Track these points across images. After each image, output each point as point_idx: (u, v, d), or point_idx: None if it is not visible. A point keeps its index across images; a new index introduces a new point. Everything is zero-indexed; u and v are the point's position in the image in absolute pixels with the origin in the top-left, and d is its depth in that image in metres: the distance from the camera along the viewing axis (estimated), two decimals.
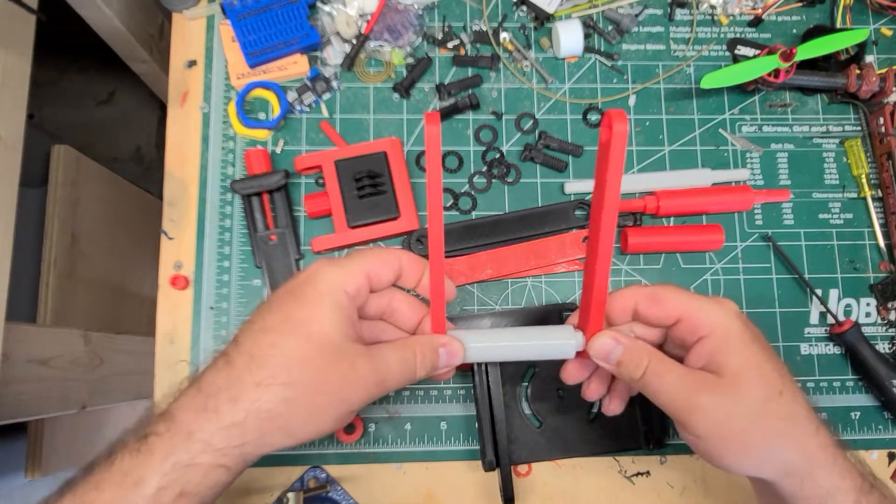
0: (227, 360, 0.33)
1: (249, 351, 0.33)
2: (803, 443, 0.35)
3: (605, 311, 0.38)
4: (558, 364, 0.49)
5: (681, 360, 0.37)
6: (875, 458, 0.53)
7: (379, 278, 0.37)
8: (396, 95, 0.56)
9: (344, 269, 0.35)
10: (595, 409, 0.51)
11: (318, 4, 0.55)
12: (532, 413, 0.51)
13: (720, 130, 0.57)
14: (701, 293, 0.50)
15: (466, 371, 0.51)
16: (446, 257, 0.53)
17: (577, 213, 0.54)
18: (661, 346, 0.39)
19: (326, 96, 0.56)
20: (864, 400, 0.54)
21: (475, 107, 0.56)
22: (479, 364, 0.48)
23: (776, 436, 0.34)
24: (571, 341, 0.38)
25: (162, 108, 1.31)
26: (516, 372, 0.52)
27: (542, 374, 0.51)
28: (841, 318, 0.54)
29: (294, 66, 0.55)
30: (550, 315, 0.52)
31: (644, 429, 0.51)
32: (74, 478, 0.32)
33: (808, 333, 0.54)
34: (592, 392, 0.41)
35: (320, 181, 0.54)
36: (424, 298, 0.39)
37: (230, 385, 0.32)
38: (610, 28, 0.58)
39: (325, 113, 0.55)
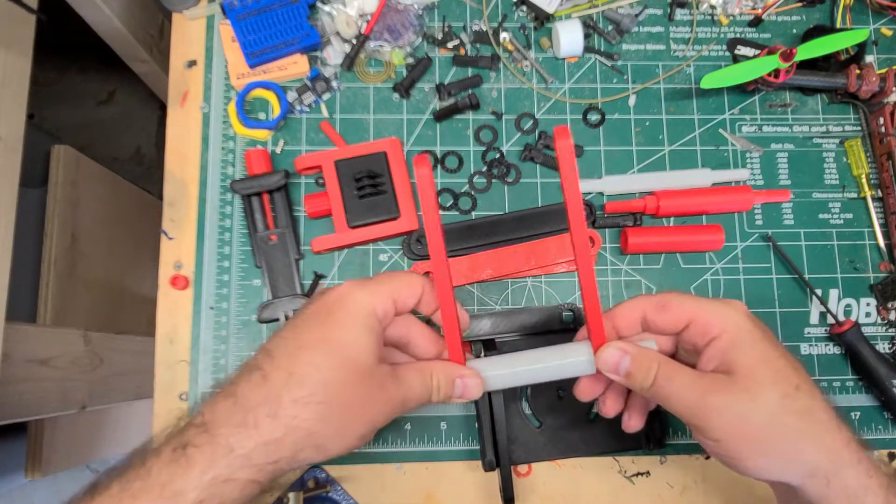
0: (264, 374, 0.33)
1: (287, 368, 0.33)
2: (826, 440, 0.33)
3: (614, 323, 0.38)
4: None
5: (693, 366, 0.37)
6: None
7: (403, 302, 0.37)
8: (396, 95, 0.56)
9: (373, 293, 0.36)
10: (595, 409, 0.51)
11: (318, 4, 0.55)
12: (532, 413, 0.51)
13: (720, 130, 0.57)
14: (704, 295, 0.50)
15: None
16: (447, 257, 0.53)
17: None
18: (673, 356, 0.39)
19: (326, 96, 0.56)
20: (864, 400, 0.54)
21: (475, 107, 0.56)
22: None
23: (796, 433, 0.33)
24: (585, 358, 0.37)
25: (162, 108, 1.31)
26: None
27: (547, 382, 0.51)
28: (841, 318, 0.54)
29: (294, 66, 0.55)
30: (552, 315, 0.52)
31: (644, 429, 0.50)
32: (100, 481, 0.32)
33: (808, 333, 0.54)
34: (609, 408, 0.40)
35: (320, 181, 0.54)
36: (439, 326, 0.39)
37: (269, 401, 0.32)
38: (610, 28, 0.58)
39: (325, 113, 0.55)
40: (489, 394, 0.48)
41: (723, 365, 0.35)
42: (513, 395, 0.51)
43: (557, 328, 0.52)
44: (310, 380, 0.32)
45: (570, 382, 0.44)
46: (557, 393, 0.51)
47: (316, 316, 0.35)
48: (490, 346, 0.50)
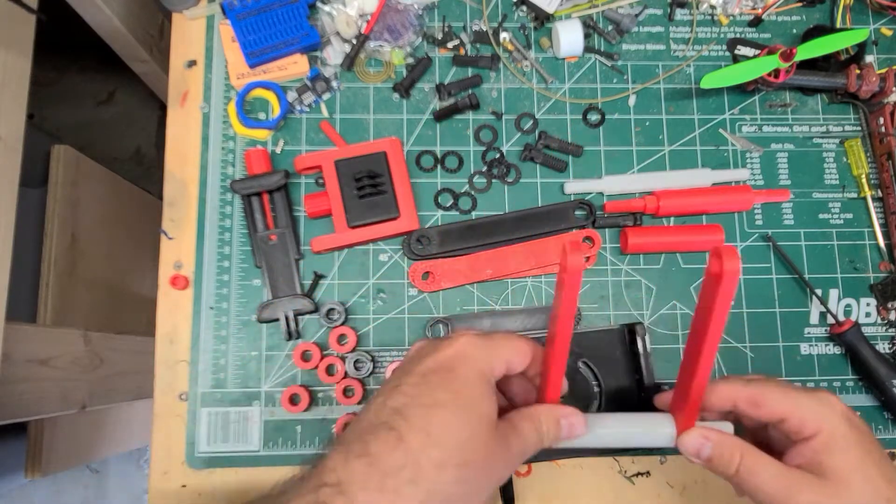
0: (399, 436, 0.32)
1: (423, 428, 0.32)
2: None
3: (703, 403, 0.38)
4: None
5: (779, 447, 0.37)
6: None
7: (513, 367, 0.37)
8: (396, 95, 0.56)
9: (491, 355, 0.36)
10: (595, 410, 0.51)
11: (318, 4, 0.55)
12: None
13: (720, 130, 0.57)
14: (799, 386, 0.43)
15: None
16: (446, 257, 0.53)
17: (577, 213, 0.54)
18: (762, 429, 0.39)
19: (326, 96, 0.56)
20: (864, 400, 0.54)
21: (475, 107, 0.56)
22: None
23: None
24: (668, 432, 0.38)
25: (162, 108, 1.31)
26: None
27: None
28: (841, 318, 0.54)
29: (294, 66, 0.55)
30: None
31: None
32: None
33: (808, 333, 0.54)
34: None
35: (320, 181, 0.54)
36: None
37: (408, 464, 0.31)
38: (610, 28, 0.58)
39: (325, 113, 0.55)
40: None
41: (812, 465, 0.35)
42: None
43: None
44: (447, 441, 0.32)
45: (572, 383, 0.45)
46: None
47: (438, 373, 0.34)
48: None
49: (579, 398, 0.51)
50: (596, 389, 0.51)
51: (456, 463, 0.31)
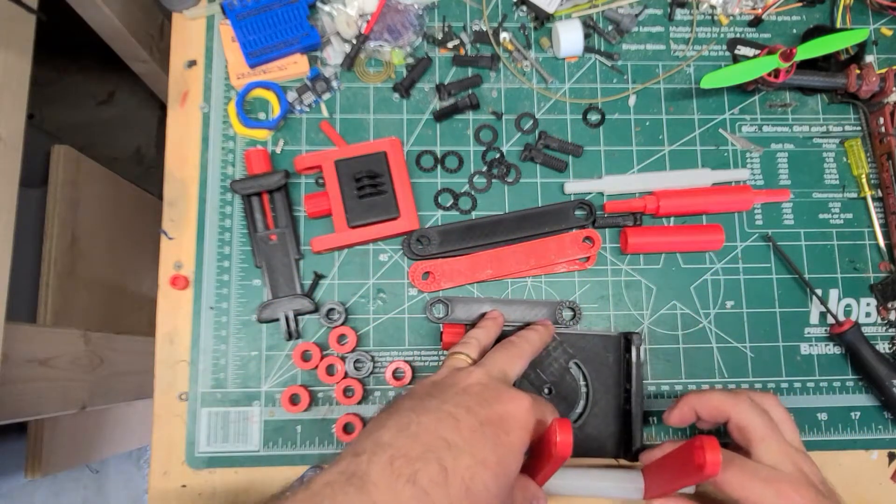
0: (446, 474, 0.33)
1: (466, 480, 0.34)
2: None
3: (695, 405, 0.46)
4: (552, 363, 0.51)
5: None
6: (875, 458, 0.53)
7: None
8: (396, 95, 0.56)
9: (539, 425, 0.39)
10: (579, 414, 0.51)
11: (318, 4, 0.55)
12: None
13: (720, 130, 0.57)
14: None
15: None
16: (446, 257, 0.53)
17: (577, 213, 0.54)
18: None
19: (326, 96, 0.56)
20: (864, 400, 0.54)
21: (475, 107, 0.56)
22: None
23: None
24: (638, 485, 0.45)
25: (162, 108, 1.31)
26: None
27: (533, 372, 0.51)
28: (841, 318, 0.54)
29: (294, 66, 0.55)
30: (551, 310, 0.52)
31: (624, 439, 0.50)
32: None
33: (808, 333, 0.54)
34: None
35: (320, 181, 0.54)
36: None
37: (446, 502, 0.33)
38: (610, 28, 0.58)
39: (325, 113, 0.55)
40: None
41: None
42: None
43: (553, 323, 0.52)
44: (479, 500, 0.34)
45: (560, 382, 0.50)
46: (546, 389, 0.51)
47: (495, 428, 0.36)
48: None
49: (565, 398, 0.51)
50: (583, 391, 0.51)
51: None
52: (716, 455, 0.35)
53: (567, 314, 0.53)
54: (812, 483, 0.40)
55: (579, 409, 0.51)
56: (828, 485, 0.42)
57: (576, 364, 0.52)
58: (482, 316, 0.51)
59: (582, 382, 0.51)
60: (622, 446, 0.50)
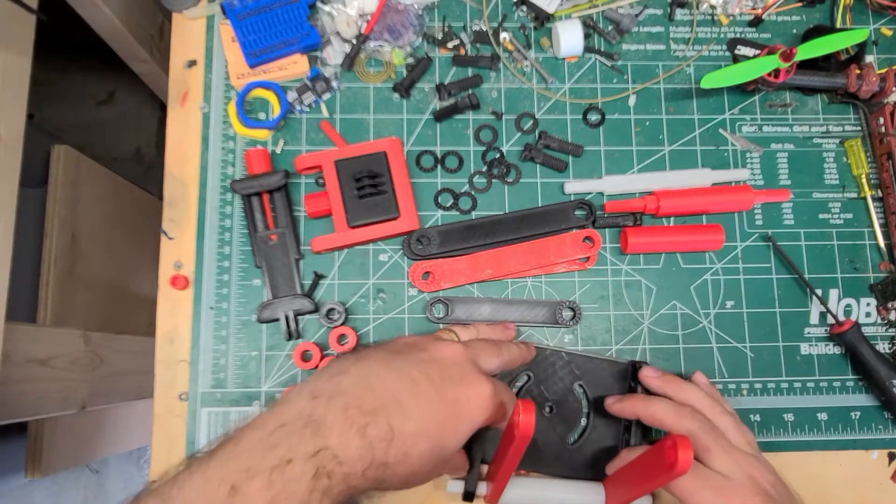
0: (391, 430, 0.34)
1: (404, 446, 0.35)
2: None
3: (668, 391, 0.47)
4: (557, 382, 0.51)
5: None
6: (875, 458, 0.53)
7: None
8: (396, 95, 0.56)
9: (497, 412, 0.39)
10: (577, 436, 0.51)
11: (318, 4, 0.55)
12: None
13: (720, 130, 0.57)
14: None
15: None
16: (446, 257, 0.53)
17: (577, 213, 0.54)
18: None
19: (326, 96, 0.56)
20: (864, 400, 0.54)
21: (475, 107, 0.56)
22: None
23: None
24: (600, 497, 0.46)
25: (162, 108, 1.31)
26: (511, 375, 0.51)
27: (537, 389, 0.51)
28: (841, 318, 0.54)
29: (294, 66, 0.55)
30: (550, 310, 0.52)
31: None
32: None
33: (808, 333, 0.54)
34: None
35: (320, 181, 0.54)
36: None
37: (380, 452, 0.34)
38: (610, 28, 0.58)
39: (325, 113, 0.55)
40: None
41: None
42: None
43: (553, 323, 0.52)
44: (412, 466, 0.35)
45: (563, 402, 0.51)
46: (547, 408, 0.50)
47: (446, 405, 0.37)
48: None
49: (565, 419, 0.50)
50: (585, 412, 0.51)
51: (405, 474, 0.36)
52: (688, 454, 0.35)
53: (567, 314, 0.53)
54: (762, 489, 0.40)
55: (578, 432, 0.51)
56: (780, 486, 0.42)
57: (580, 386, 0.51)
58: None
59: (584, 409, 0.51)
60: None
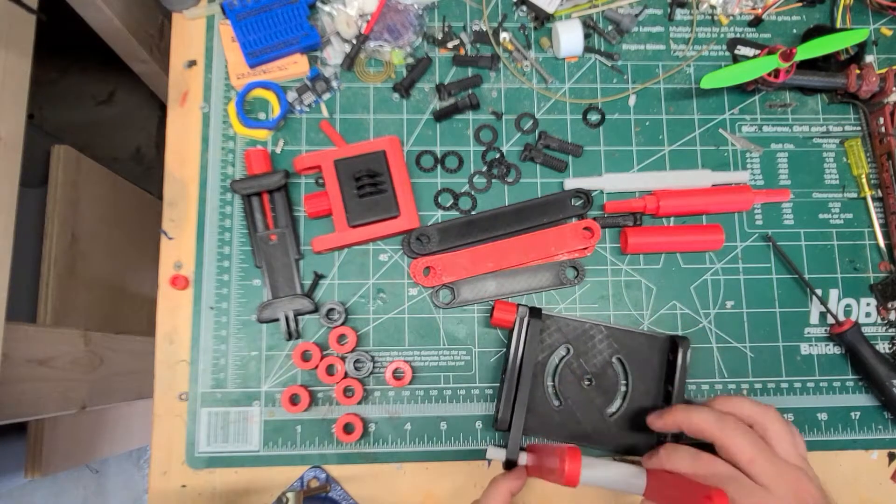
0: None
1: None
2: None
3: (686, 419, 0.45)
4: (596, 355, 0.52)
5: None
6: (875, 458, 0.53)
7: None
8: (396, 95, 0.56)
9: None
10: (615, 409, 0.51)
11: (318, 4, 0.55)
12: (555, 391, 0.51)
13: (720, 130, 0.57)
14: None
15: (506, 328, 0.52)
16: (447, 252, 0.53)
17: (574, 201, 0.54)
18: None
19: (326, 96, 0.56)
20: (864, 400, 0.54)
21: (475, 107, 0.56)
22: (521, 327, 0.49)
23: None
24: (641, 483, 0.45)
25: (162, 108, 1.31)
26: (552, 348, 0.52)
27: (576, 362, 0.52)
28: (841, 318, 0.54)
29: (294, 66, 0.55)
30: (554, 274, 0.53)
31: (659, 440, 0.50)
32: None
33: (808, 333, 0.54)
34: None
35: (320, 181, 0.54)
36: None
37: None
38: (610, 28, 0.58)
39: (325, 113, 0.55)
40: (521, 359, 0.49)
41: None
42: (542, 367, 0.51)
43: (558, 285, 0.53)
44: None
45: (602, 374, 0.52)
46: (587, 380, 0.51)
47: None
48: (536, 314, 0.50)
49: (605, 391, 0.51)
50: (623, 388, 0.52)
51: None
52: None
53: (570, 273, 0.53)
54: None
55: (616, 405, 0.51)
56: (824, 502, 0.40)
57: (619, 360, 0.52)
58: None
59: (623, 381, 0.52)
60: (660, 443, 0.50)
